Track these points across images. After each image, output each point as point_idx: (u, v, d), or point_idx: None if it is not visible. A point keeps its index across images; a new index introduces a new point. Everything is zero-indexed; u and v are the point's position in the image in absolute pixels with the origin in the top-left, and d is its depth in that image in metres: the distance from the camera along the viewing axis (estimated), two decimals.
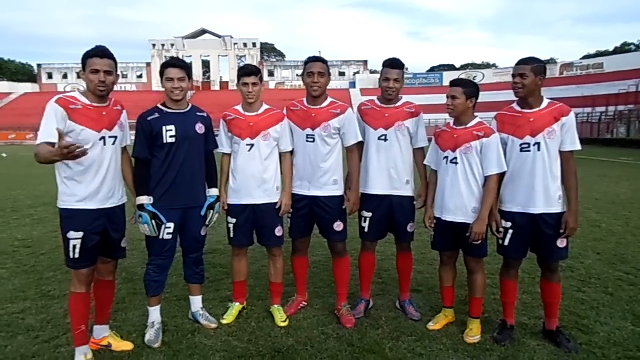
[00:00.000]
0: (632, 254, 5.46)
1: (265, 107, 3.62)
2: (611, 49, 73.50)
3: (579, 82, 51.95)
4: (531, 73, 3.12)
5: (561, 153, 3.18)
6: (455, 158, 3.32)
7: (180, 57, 57.43)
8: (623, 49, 71.51)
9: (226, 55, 67.90)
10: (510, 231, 3.27)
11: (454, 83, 3.37)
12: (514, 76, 3.19)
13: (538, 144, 3.14)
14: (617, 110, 39.59)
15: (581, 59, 62.30)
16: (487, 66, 78.31)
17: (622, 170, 15.52)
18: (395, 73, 3.59)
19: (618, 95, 41.35)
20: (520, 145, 3.20)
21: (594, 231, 6.62)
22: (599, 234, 6.49)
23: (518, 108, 3.27)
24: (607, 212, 8.00)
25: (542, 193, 3.15)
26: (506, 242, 3.30)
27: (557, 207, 3.18)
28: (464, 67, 78.09)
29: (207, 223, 3.52)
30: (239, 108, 3.62)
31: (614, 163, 18.66)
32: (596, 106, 40.70)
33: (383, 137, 3.64)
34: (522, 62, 3.18)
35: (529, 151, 3.17)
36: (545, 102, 3.22)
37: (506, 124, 3.29)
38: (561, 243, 3.20)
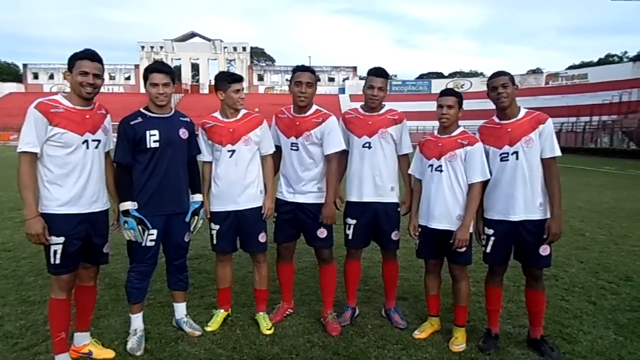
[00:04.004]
0: (615, 263, 5.54)
1: (243, 111, 3.61)
2: (595, 60, 75.11)
3: (564, 92, 52.82)
4: (509, 82, 3.23)
5: (542, 160, 3.23)
6: (440, 166, 3.35)
7: (169, 59, 57.49)
8: (607, 60, 73.03)
9: (216, 59, 67.63)
10: (492, 238, 3.32)
11: (448, 92, 3.42)
12: (494, 88, 3.26)
13: (516, 152, 3.22)
14: (600, 120, 40.28)
15: (566, 69, 63.31)
16: (474, 74, 79.22)
17: (605, 179, 15.77)
18: (380, 81, 3.62)
19: (602, 105, 42.09)
20: (500, 155, 3.28)
21: (578, 240, 6.70)
22: (582, 242, 6.57)
23: (497, 120, 3.37)
24: (591, 221, 8.11)
25: (521, 200, 3.21)
26: (488, 249, 3.36)
27: (537, 214, 3.22)
28: (452, 75, 78.93)
29: (191, 229, 3.49)
30: (217, 115, 3.61)
31: (598, 172, 18.94)
32: (580, 116, 41.34)
33: (367, 145, 3.66)
34: (500, 74, 3.29)
35: (508, 160, 3.25)
36: (523, 112, 3.30)
37: (487, 136, 3.38)
38: (544, 251, 3.24)
